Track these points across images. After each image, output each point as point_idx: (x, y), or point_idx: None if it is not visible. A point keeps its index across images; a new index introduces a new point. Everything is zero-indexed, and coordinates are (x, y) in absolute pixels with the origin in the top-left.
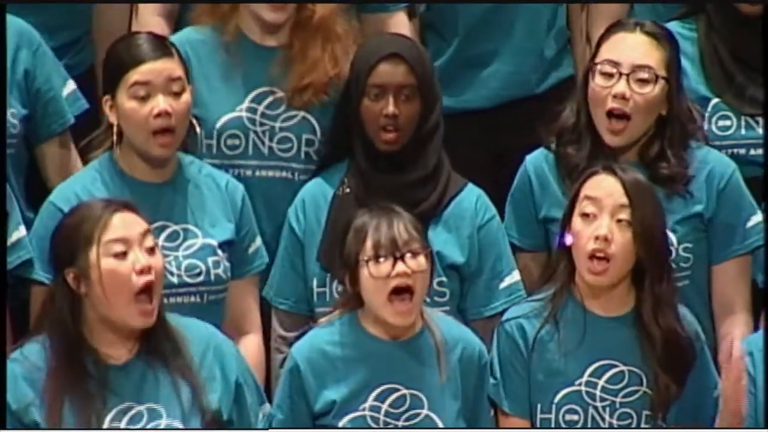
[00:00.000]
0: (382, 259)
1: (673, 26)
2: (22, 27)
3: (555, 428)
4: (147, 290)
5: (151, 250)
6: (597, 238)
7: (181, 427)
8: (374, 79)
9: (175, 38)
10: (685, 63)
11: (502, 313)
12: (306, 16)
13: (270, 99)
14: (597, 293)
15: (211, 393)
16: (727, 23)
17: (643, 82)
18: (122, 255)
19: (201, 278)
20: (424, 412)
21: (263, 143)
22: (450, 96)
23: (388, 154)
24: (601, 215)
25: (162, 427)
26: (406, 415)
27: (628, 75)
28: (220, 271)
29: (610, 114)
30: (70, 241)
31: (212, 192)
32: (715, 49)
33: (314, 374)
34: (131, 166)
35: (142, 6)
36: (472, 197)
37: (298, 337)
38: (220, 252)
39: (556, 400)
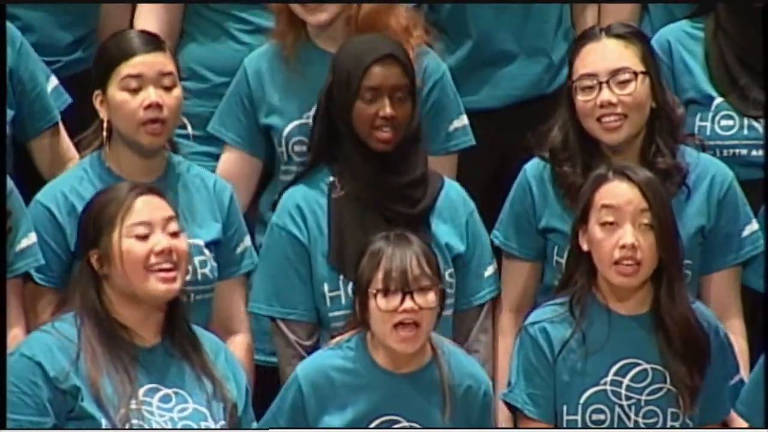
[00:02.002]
0: (391, 292)
1: (682, 25)
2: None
3: (582, 429)
4: (167, 270)
5: (174, 234)
6: (623, 247)
7: (206, 412)
8: (369, 81)
9: (252, 54)
10: (690, 61)
11: (486, 302)
12: (350, 14)
13: None
14: (621, 294)
15: (229, 389)
16: (735, 24)
17: (624, 83)
18: (144, 237)
19: (188, 278)
20: None
21: None
22: (462, 97)
23: (381, 153)
24: (623, 223)
25: (189, 410)
26: None
27: (607, 82)
28: (207, 270)
29: (601, 120)
30: (95, 223)
31: (200, 192)
32: (721, 49)
33: (317, 398)
34: (120, 165)
35: (140, 23)
36: (456, 188)
37: (313, 346)
38: (206, 252)
39: (582, 400)
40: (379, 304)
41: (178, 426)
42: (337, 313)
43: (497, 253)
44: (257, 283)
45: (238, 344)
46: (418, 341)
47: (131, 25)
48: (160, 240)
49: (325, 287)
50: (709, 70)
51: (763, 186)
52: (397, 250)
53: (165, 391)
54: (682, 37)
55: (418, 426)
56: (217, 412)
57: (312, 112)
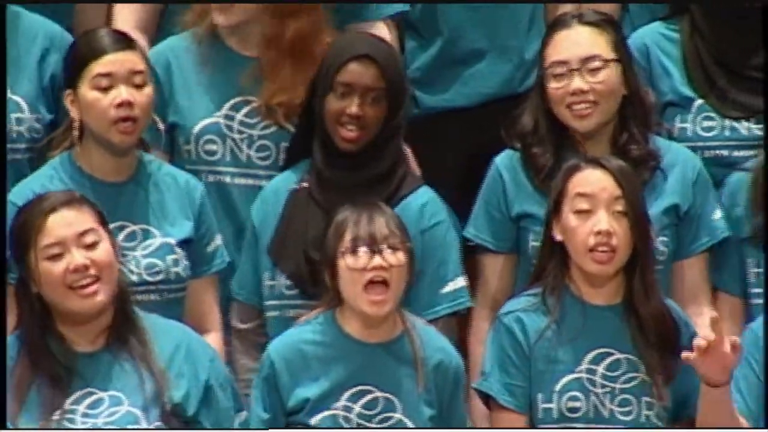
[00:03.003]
0: (360, 252)
1: (658, 27)
2: (54, 30)
3: (557, 417)
4: (86, 285)
5: (92, 246)
6: (599, 233)
7: (140, 414)
8: (343, 76)
9: (158, 46)
10: (668, 64)
11: (442, 317)
12: (279, 30)
13: (247, 108)
14: (594, 283)
15: (176, 389)
16: (710, 25)
17: (595, 71)
18: (58, 257)
19: (160, 276)
20: (397, 415)
21: (241, 150)
22: (432, 95)
23: (346, 152)
24: (598, 210)
25: (120, 414)
26: (379, 417)
27: (579, 69)
28: (179, 269)
29: (571, 107)
30: (17, 244)
31: (171, 191)
32: (698, 51)
33: (290, 372)
34: (90, 165)
35: (117, 19)
36: (420, 200)
37: (253, 330)
38: (178, 250)
39: (557, 388)
40: (348, 262)
41: None
42: (270, 303)
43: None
44: None
45: (210, 343)
46: (388, 303)
47: (107, 23)
48: (74, 257)
49: (266, 275)
50: (686, 71)
51: (764, 185)
52: (363, 214)
53: (99, 395)
54: (658, 40)
55: (393, 396)
56: (153, 414)
57: (222, 112)
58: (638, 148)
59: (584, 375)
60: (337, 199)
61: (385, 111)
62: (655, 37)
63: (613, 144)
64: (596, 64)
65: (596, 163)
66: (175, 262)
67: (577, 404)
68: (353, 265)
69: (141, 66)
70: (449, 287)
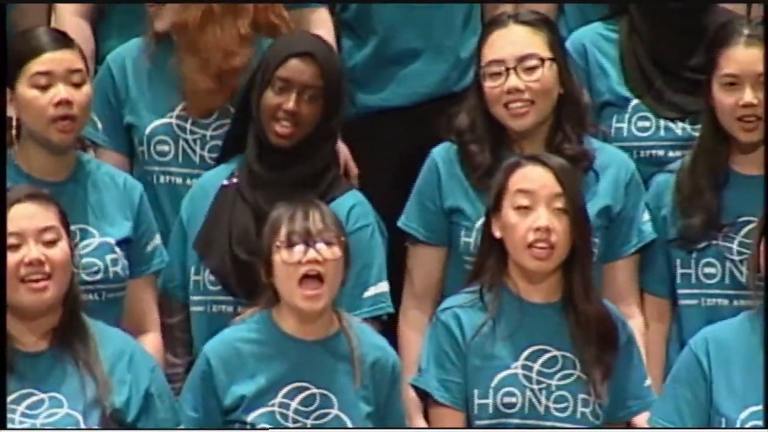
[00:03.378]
0: (295, 246)
1: (596, 27)
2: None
3: (493, 412)
4: (37, 280)
5: (50, 244)
6: (538, 229)
7: (79, 417)
8: (282, 72)
9: (117, 49)
10: (605, 64)
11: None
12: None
13: None
14: (532, 280)
15: (117, 395)
16: (648, 26)
17: (531, 69)
18: (15, 248)
19: (99, 276)
20: (334, 411)
21: (194, 151)
22: (369, 94)
23: (278, 148)
24: (538, 207)
25: (59, 416)
26: (316, 414)
27: (515, 68)
28: (118, 269)
29: (508, 106)
30: None
31: (110, 190)
32: (635, 51)
33: (225, 370)
34: (29, 164)
35: (60, 6)
36: (347, 203)
37: (177, 326)
38: (117, 250)
39: (493, 384)
40: (283, 257)
41: None
42: (195, 298)
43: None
44: None
45: (149, 343)
46: (323, 298)
47: (48, 22)
48: (30, 251)
49: (192, 270)
50: (624, 72)
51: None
52: (298, 210)
53: (39, 396)
54: (596, 40)
55: (329, 392)
56: (93, 418)
57: (175, 113)
58: (572, 148)
59: (520, 371)
60: (265, 197)
61: (321, 110)
62: (593, 37)
63: (547, 143)
64: (532, 63)
65: (537, 160)
66: (114, 262)
67: (512, 400)
68: (288, 259)
69: (79, 65)
70: (371, 292)
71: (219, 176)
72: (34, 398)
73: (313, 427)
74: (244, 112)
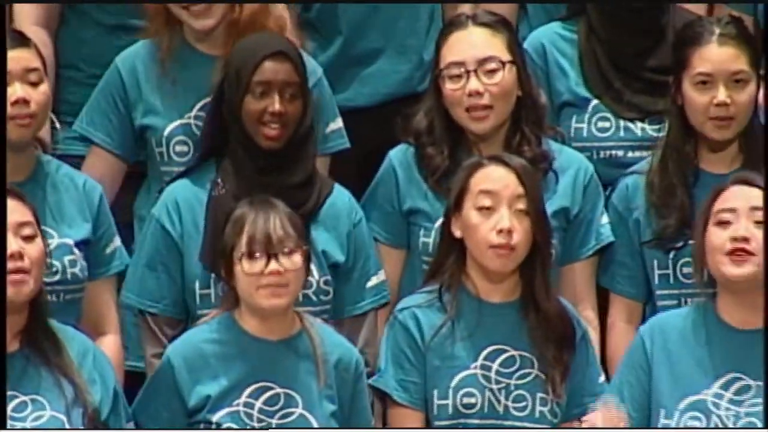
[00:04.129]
0: (256, 255)
1: (555, 28)
2: None
3: (452, 413)
4: (15, 272)
5: (28, 239)
6: (500, 231)
7: (64, 419)
8: (260, 76)
9: (125, 52)
10: (564, 64)
11: (367, 312)
12: (234, 18)
13: None
14: (492, 280)
15: (92, 394)
16: (606, 26)
17: (491, 72)
18: None
19: (57, 277)
20: (299, 411)
21: None
22: (333, 94)
23: (268, 151)
24: (500, 207)
25: (45, 418)
26: (280, 413)
27: (475, 71)
28: (76, 270)
29: (469, 110)
30: None
31: (69, 191)
32: (594, 52)
33: (189, 371)
34: None
35: (18, 13)
36: (344, 197)
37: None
38: (76, 251)
39: (453, 384)
40: (244, 267)
41: None
42: (206, 311)
43: None
44: (130, 272)
45: (108, 345)
46: (287, 297)
47: (10, 21)
48: (10, 243)
49: (197, 285)
50: (583, 72)
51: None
52: (260, 214)
53: (21, 398)
54: (555, 40)
55: (293, 392)
56: (76, 418)
57: (193, 113)
58: (531, 150)
59: (479, 371)
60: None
61: (301, 107)
62: (552, 37)
63: (506, 145)
64: (492, 65)
65: (499, 160)
66: (73, 263)
67: (472, 400)
68: (249, 270)
69: (36, 63)
70: (373, 281)
71: (195, 188)
72: (17, 400)
73: (279, 426)
74: (219, 119)
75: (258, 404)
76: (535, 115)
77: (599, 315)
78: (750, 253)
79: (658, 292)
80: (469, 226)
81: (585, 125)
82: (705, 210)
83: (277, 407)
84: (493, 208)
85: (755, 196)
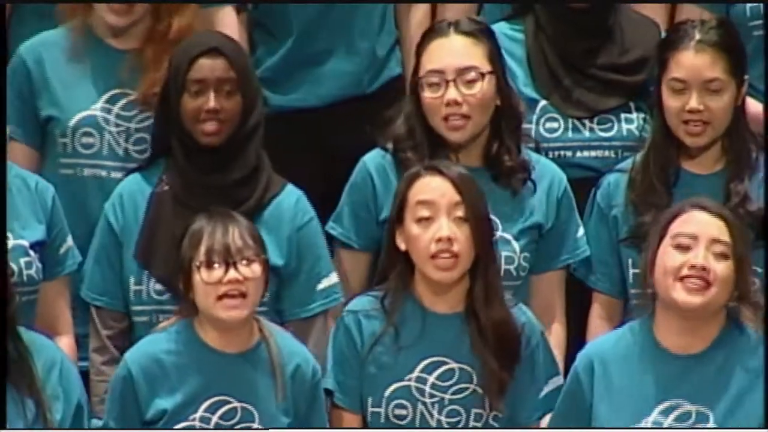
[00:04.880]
0: (215, 265)
1: (501, 27)
2: None
3: (384, 422)
4: None
5: None
6: (440, 240)
7: None
8: (194, 74)
9: (29, 41)
10: (513, 64)
11: (318, 314)
12: (163, 28)
13: (124, 101)
14: (438, 291)
15: (54, 412)
16: (554, 25)
17: (471, 82)
18: None
19: (13, 279)
20: (255, 425)
21: (118, 144)
22: (283, 95)
23: (208, 148)
24: (438, 217)
25: None
26: (237, 428)
27: (454, 80)
28: (32, 272)
29: (447, 119)
30: None
31: (22, 193)
32: (543, 51)
33: (147, 381)
34: None
35: None
36: (291, 198)
37: (114, 338)
38: (31, 253)
39: (387, 394)
40: (202, 276)
41: None
42: (138, 308)
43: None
44: (86, 266)
45: (62, 346)
46: (245, 309)
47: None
48: None
49: (132, 280)
50: (531, 72)
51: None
52: (218, 225)
53: None
54: (502, 40)
55: (250, 406)
56: None
57: (99, 104)
58: (510, 159)
59: (413, 383)
60: (204, 200)
61: (240, 104)
62: (499, 37)
63: (485, 154)
64: (471, 75)
65: (435, 170)
66: (28, 265)
67: (403, 412)
68: (208, 279)
69: None
70: (324, 284)
71: (143, 183)
72: None
73: None
74: (164, 115)
75: (214, 419)
76: (514, 124)
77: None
78: (708, 284)
79: (632, 291)
80: (410, 238)
81: (533, 126)
82: (661, 229)
83: (233, 421)
84: (432, 218)
85: (716, 226)
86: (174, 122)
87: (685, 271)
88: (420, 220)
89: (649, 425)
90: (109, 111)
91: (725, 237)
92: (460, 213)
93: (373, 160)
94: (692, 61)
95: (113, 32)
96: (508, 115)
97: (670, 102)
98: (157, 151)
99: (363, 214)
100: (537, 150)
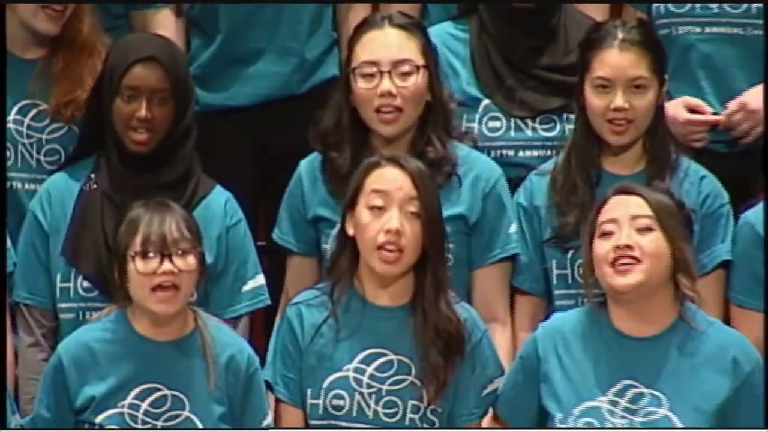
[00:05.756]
0: (150, 255)
1: (446, 27)
2: None
3: (322, 413)
4: None
5: None
6: (388, 231)
7: None
8: (129, 80)
9: None
10: (457, 64)
11: (242, 315)
12: (73, 33)
13: (34, 111)
14: (381, 283)
15: None
16: (498, 25)
17: (405, 75)
18: None
19: None
20: (185, 413)
21: (31, 155)
22: (212, 93)
23: (138, 154)
24: (390, 208)
25: None
26: (166, 415)
27: (389, 72)
28: None
29: (380, 110)
30: None
31: None
32: (486, 50)
33: (77, 370)
34: None
35: None
36: (221, 199)
37: (50, 334)
38: None
39: (325, 385)
40: (137, 266)
41: None
42: (64, 305)
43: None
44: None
45: None
46: (178, 302)
47: None
48: None
49: (58, 277)
50: (475, 71)
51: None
52: (155, 215)
53: None
54: (446, 39)
55: (181, 394)
56: None
57: (11, 116)
58: (434, 151)
59: (351, 374)
60: (136, 199)
61: (172, 112)
62: (443, 36)
63: (410, 147)
64: (406, 68)
65: (395, 162)
66: None
67: (340, 402)
68: (143, 269)
69: None
70: (250, 285)
71: (70, 181)
72: None
73: (164, 428)
74: (95, 115)
75: (144, 406)
76: (443, 119)
77: None
78: (636, 260)
79: (556, 292)
80: (359, 225)
81: (476, 125)
82: (590, 223)
83: (163, 409)
84: (384, 209)
85: (635, 203)
86: (106, 123)
87: (612, 255)
88: (372, 208)
89: (605, 404)
90: (21, 123)
91: (646, 211)
92: (413, 208)
93: (306, 163)
94: (617, 59)
95: (28, 42)
96: (437, 111)
97: (595, 101)
98: (84, 150)
99: (296, 216)
100: (475, 147)
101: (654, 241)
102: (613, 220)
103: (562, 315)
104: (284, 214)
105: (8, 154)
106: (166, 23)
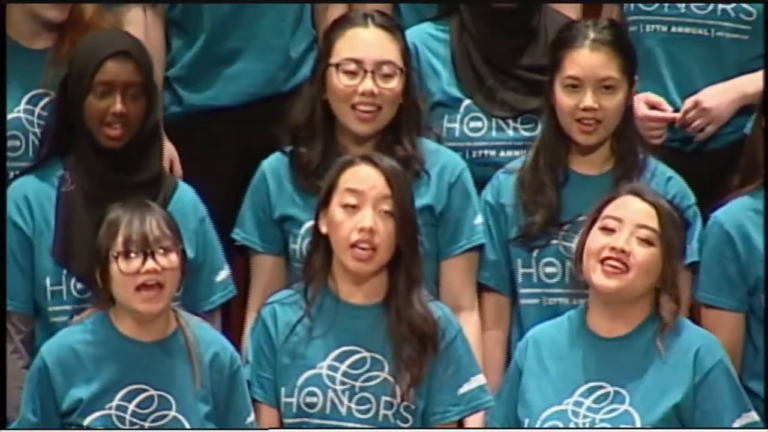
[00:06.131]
0: (132, 255)
1: (426, 27)
2: None
3: (296, 411)
4: None
5: None
6: (362, 230)
7: None
8: (101, 76)
9: None
10: (437, 64)
11: (217, 307)
12: (78, 16)
13: (46, 100)
14: (354, 281)
15: None
16: (478, 25)
17: (387, 77)
18: None
19: None
20: (172, 413)
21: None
22: (196, 93)
23: (111, 150)
24: (364, 206)
25: None
26: (153, 416)
27: (372, 72)
28: None
29: (356, 108)
30: None
31: None
32: (467, 51)
33: (62, 372)
34: None
35: None
36: (189, 193)
37: (29, 339)
38: None
39: (299, 383)
40: (120, 266)
41: None
42: (57, 308)
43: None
44: None
45: None
46: (162, 300)
47: None
48: None
49: (48, 281)
50: (455, 71)
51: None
52: (135, 215)
53: None
54: (427, 40)
55: (167, 394)
56: None
57: (22, 106)
58: (403, 149)
59: (325, 371)
60: (116, 196)
61: (144, 107)
62: (423, 37)
63: (379, 146)
64: (389, 70)
65: (369, 160)
66: None
67: (313, 399)
68: (126, 269)
69: None
70: (221, 276)
71: (43, 183)
72: None
73: (151, 428)
74: (60, 116)
75: (131, 407)
76: (415, 121)
77: None
78: (625, 267)
79: (521, 291)
80: (332, 223)
81: (457, 125)
82: (595, 211)
83: (150, 410)
84: (358, 207)
85: (645, 212)
86: (77, 122)
87: (605, 253)
88: (345, 207)
89: (570, 406)
90: (32, 113)
91: (653, 224)
92: (386, 207)
93: (270, 162)
94: (587, 59)
95: (36, 32)
96: (410, 114)
97: (564, 100)
98: (53, 151)
99: (261, 216)
100: (439, 141)
101: (649, 256)
102: (618, 219)
103: (545, 324)
104: (248, 214)
105: (19, 143)
106: (136, 20)
